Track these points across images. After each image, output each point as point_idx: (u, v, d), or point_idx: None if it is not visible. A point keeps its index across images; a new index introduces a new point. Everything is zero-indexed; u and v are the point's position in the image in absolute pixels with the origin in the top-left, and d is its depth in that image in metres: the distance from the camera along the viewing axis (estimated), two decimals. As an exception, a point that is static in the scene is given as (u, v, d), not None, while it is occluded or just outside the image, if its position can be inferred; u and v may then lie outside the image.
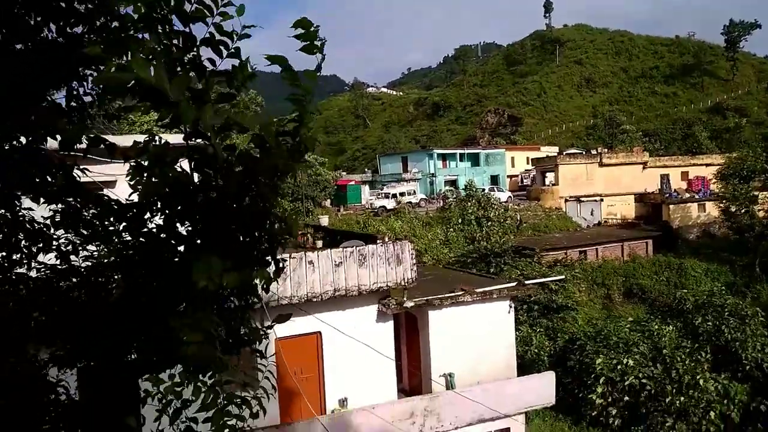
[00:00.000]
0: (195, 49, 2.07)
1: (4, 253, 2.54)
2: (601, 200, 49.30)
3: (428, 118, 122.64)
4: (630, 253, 41.90)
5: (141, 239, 2.40)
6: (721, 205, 42.69)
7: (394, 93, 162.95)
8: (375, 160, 78.69)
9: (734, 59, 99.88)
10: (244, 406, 2.12)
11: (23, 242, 2.60)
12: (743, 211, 40.56)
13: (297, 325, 12.38)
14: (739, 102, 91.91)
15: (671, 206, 46.99)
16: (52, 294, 2.63)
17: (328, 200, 48.65)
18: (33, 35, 2.66)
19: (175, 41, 2.05)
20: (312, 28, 2.25)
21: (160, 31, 2.07)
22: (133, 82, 1.88)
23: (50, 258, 2.82)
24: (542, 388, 15.31)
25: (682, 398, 19.96)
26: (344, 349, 13.18)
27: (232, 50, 2.11)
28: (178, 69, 2.01)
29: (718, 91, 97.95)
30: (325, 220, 27.17)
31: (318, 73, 2.33)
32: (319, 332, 13.21)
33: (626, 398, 20.97)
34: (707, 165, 52.76)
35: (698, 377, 20.21)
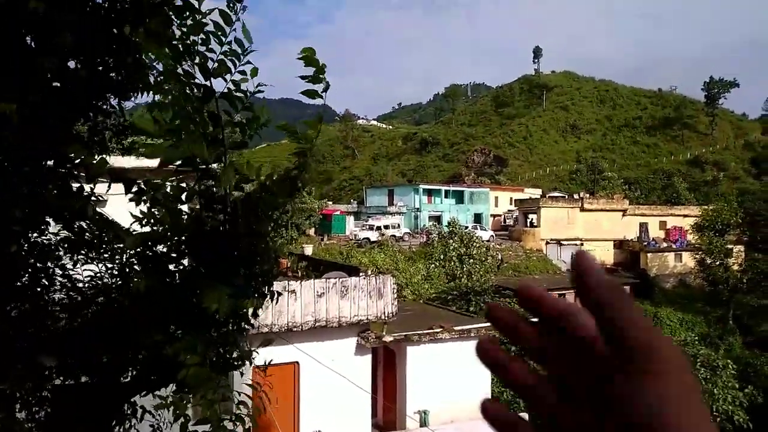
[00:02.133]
0: (214, 101, 2.34)
1: (39, 273, 2.72)
2: (581, 244, 50.06)
3: (416, 153, 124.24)
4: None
5: (148, 265, 2.61)
6: (697, 256, 43.64)
7: (384, 126, 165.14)
8: (361, 191, 79.21)
9: (713, 115, 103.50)
10: (237, 423, 2.30)
11: (49, 264, 2.78)
12: (718, 263, 41.48)
13: (275, 354, 12.40)
14: (717, 156, 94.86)
15: (649, 254, 47.90)
16: (62, 309, 2.80)
17: (313, 229, 48.72)
18: (59, 70, 2.91)
19: (196, 92, 2.32)
20: (317, 66, 2.46)
21: (183, 80, 2.34)
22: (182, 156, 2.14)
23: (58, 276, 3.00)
24: (515, 429, 15.35)
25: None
26: (321, 381, 13.19)
27: (247, 104, 2.37)
28: (197, 118, 2.27)
29: (697, 145, 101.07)
30: (309, 249, 27.26)
31: (320, 125, 2.60)
32: (297, 362, 13.22)
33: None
34: (685, 216, 54.08)
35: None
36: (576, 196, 57.87)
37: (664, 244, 50.04)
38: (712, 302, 41.04)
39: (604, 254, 50.46)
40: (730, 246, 42.29)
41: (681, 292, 44.95)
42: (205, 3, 2.67)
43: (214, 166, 2.26)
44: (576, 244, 49.95)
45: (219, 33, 2.35)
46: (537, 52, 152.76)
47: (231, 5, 2.47)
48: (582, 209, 52.36)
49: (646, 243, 50.09)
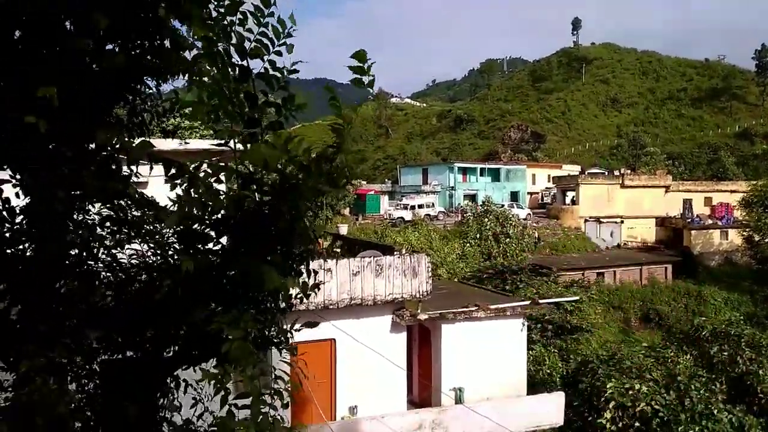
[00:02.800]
0: (250, 81, 2.35)
1: (83, 252, 2.83)
2: (622, 222, 48.88)
3: (451, 131, 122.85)
4: (648, 277, 41.45)
5: (188, 243, 2.67)
6: (745, 233, 42.07)
7: (418, 104, 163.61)
8: (395, 170, 79.06)
9: (765, 84, 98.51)
10: (275, 396, 2.36)
11: (93, 242, 2.88)
12: (767, 240, 39.92)
13: (312, 331, 12.62)
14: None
15: (693, 232, 46.42)
16: (107, 287, 2.91)
17: (348, 208, 49.03)
18: (98, 53, 2.97)
19: (233, 72, 2.33)
20: (366, 64, 2.51)
21: (219, 62, 2.35)
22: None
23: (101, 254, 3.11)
24: (551, 408, 15.32)
25: (696, 428, 19.67)
26: (357, 358, 13.39)
27: (283, 83, 2.38)
28: (234, 98, 2.29)
29: (746, 117, 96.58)
30: (344, 229, 27.47)
31: (359, 107, 2.59)
32: (334, 339, 13.44)
33: (637, 424, 20.72)
34: (732, 191, 52.07)
35: (712, 407, 19.91)
36: (616, 173, 56.34)
37: (709, 221, 48.37)
38: (759, 281, 39.62)
39: (645, 232, 49.19)
40: (780, 222, 40.55)
41: (727, 271, 43.51)
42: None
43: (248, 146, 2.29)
44: (616, 222, 48.81)
45: (258, 14, 2.36)
46: (576, 24, 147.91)
47: None
48: (623, 186, 51.00)
49: (689, 220, 48.51)
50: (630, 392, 20.82)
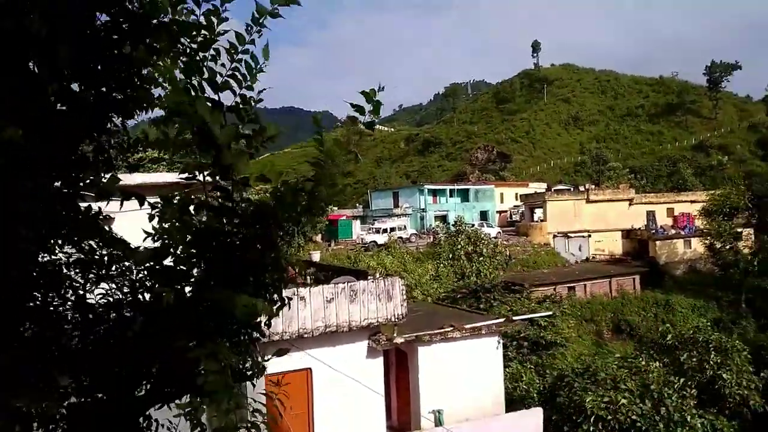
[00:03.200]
0: (222, 115, 2.39)
1: (50, 294, 2.77)
2: (589, 236, 49.94)
3: (419, 154, 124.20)
4: (618, 288, 42.29)
5: (158, 278, 2.66)
6: (706, 241, 43.43)
7: (386, 129, 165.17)
8: (366, 195, 79.29)
9: (717, 99, 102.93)
10: (253, 430, 2.34)
11: (60, 283, 2.84)
12: (728, 247, 41.29)
13: (288, 361, 12.46)
14: (722, 140, 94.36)
15: (657, 242, 47.71)
16: (75, 328, 2.85)
17: (319, 235, 48.85)
18: (64, 92, 2.97)
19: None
20: (375, 104, 2.57)
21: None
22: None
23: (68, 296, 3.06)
24: (530, 424, 15.35)
25: (672, 435, 19.95)
26: (334, 386, 13.22)
27: (252, 116, 2.43)
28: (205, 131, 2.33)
29: (701, 130, 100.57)
30: (316, 256, 27.35)
31: (355, 149, 2.65)
32: (310, 368, 13.26)
33: (616, 436, 20.89)
34: (692, 201, 53.87)
35: (686, 414, 20.25)
36: (581, 188, 57.75)
37: (673, 231, 49.83)
38: (723, 287, 40.84)
39: (612, 244, 50.32)
40: (739, 229, 42.08)
41: (692, 279, 44.74)
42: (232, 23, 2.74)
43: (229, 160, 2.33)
44: (584, 236, 49.83)
45: (233, 51, 2.42)
46: (536, 47, 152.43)
47: (249, 29, 2.54)
48: (588, 201, 52.26)
49: (654, 231, 49.90)
50: (609, 405, 21.06)
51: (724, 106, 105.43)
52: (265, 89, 2.63)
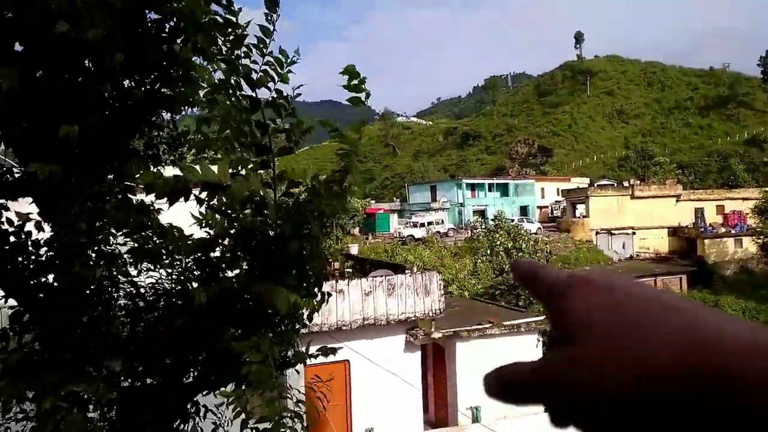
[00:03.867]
0: (260, 110, 2.44)
1: (104, 283, 2.91)
2: (633, 233, 48.52)
3: (457, 148, 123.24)
4: (664, 288, 41.02)
5: (205, 269, 2.74)
6: (759, 240, 41.60)
7: (424, 122, 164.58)
8: (404, 188, 79.28)
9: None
10: (296, 419, 2.39)
11: (114, 272, 2.97)
12: (782, 247, 39.47)
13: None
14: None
15: (706, 241, 45.95)
16: (127, 315, 2.98)
17: (357, 228, 49.16)
18: (116, 89, 3.08)
19: (244, 103, 2.42)
20: (358, 79, 2.55)
21: (230, 92, 2.45)
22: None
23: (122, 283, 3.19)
24: (571, 424, 15.10)
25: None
26: (372, 379, 13.33)
27: (290, 111, 2.46)
28: (246, 128, 2.38)
29: (755, 123, 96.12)
30: (354, 249, 27.54)
31: (363, 127, 2.66)
32: (348, 361, 13.40)
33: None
34: (744, 199, 51.59)
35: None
36: (626, 184, 56.06)
37: (723, 230, 47.90)
38: (777, 289, 39.07)
39: (657, 242, 48.78)
40: (794, 228, 40.12)
41: (743, 279, 42.94)
42: (244, 16, 2.78)
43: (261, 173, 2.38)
44: (628, 233, 48.46)
45: (261, 45, 2.45)
46: (579, 38, 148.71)
47: (268, 18, 2.57)
48: (633, 197, 50.74)
49: (702, 229, 48.06)
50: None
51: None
52: (301, 85, 2.67)
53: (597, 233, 49.07)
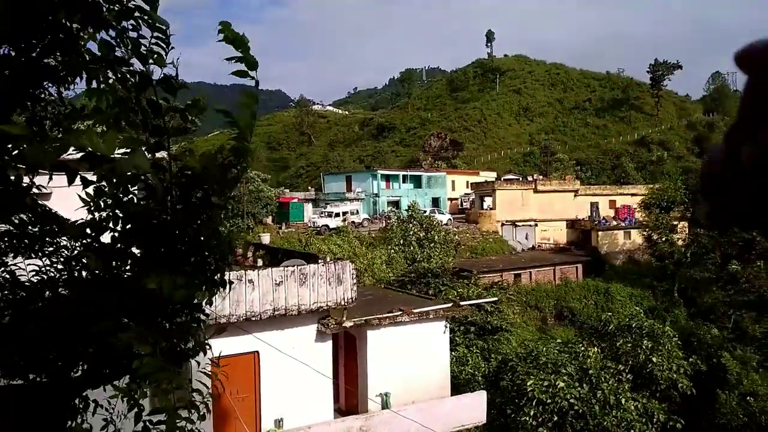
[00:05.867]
0: (151, 88, 2.29)
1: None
2: (536, 225, 51.38)
3: (373, 139, 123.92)
4: (561, 276, 43.81)
5: (93, 256, 2.56)
6: (645, 233, 45.51)
7: (340, 112, 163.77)
8: (319, 178, 78.66)
9: (658, 96, 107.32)
10: (192, 410, 2.31)
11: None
12: (664, 239, 43.40)
13: (234, 344, 12.31)
14: (662, 136, 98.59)
15: (600, 233, 49.60)
16: (6, 306, 2.72)
17: (270, 217, 48.18)
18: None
19: (132, 80, 2.27)
20: (241, 41, 2.25)
21: (118, 68, 2.29)
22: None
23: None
24: (474, 407, 15.80)
25: (607, 418, 20.99)
26: (282, 369, 13.18)
27: (180, 85, 2.33)
28: (135, 107, 2.23)
29: (644, 125, 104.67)
30: (266, 238, 26.98)
31: (255, 103, 2.51)
32: (257, 352, 13.16)
33: (555, 418, 21.79)
34: (633, 194, 56.17)
35: (620, 397, 21.34)
36: (530, 178, 59.18)
37: (614, 223, 51.90)
38: (659, 277, 42.97)
39: (557, 233, 51.96)
40: (674, 222, 44.28)
41: (630, 268, 46.83)
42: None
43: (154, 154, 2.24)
44: (530, 225, 51.21)
45: (146, 17, 2.28)
46: (489, 36, 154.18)
47: None
48: (536, 191, 53.64)
49: (597, 222, 51.81)
50: (549, 389, 21.91)
51: (665, 104, 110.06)
52: (174, 61, 2.44)
53: (502, 225, 51.45)
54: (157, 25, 2.18)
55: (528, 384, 22.19)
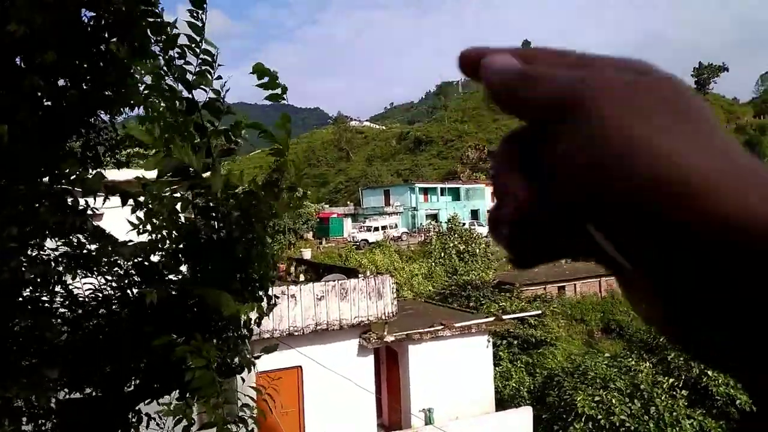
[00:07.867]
0: (197, 112, 2.39)
1: (39, 289, 2.78)
2: (579, 236, 50.17)
3: (410, 152, 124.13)
4: (608, 288, 42.54)
5: (146, 275, 2.67)
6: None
7: (377, 127, 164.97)
8: (357, 193, 79.27)
9: (705, 100, 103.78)
10: (241, 425, 2.36)
11: (49, 278, 2.84)
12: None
13: (278, 359, 12.45)
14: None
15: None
16: (64, 322, 2.86)
17: (311, 233, 48.78)
18: (50, 88, 2.97)
19: (179, 105, 2.38)
20: (270, 75, 2.44)
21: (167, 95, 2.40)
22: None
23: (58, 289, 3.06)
24: (520, 423, 15.45)
25: (661, 435, 20.15)
26: (325, 384, 13.24)
27: (225, 110, 2.43)
28: (184, 131, 2.33)
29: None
30: (307, 254, 27.31)
31: (288, 123, 2.60)
32: (300, 366, 13.27)
33: (605, 435, 21.05)
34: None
35: (677, 414, 20.46)
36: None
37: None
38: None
39: (602, 244, 50.57)
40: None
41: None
42: (176, 14, 2.72)
43: (205, 175, 2.34)
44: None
45: (192, 45, 2.40)
46: (526, 45, 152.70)
47: (194, 14, 2.49)
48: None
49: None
50: (600, 404, 21.22)
51: (712, 108, 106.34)
52: (226, 81, 2.58)
53: (545, 236, 50.42)
54: (205, 48, 2.29)
55: (578, 399, 21.55)
